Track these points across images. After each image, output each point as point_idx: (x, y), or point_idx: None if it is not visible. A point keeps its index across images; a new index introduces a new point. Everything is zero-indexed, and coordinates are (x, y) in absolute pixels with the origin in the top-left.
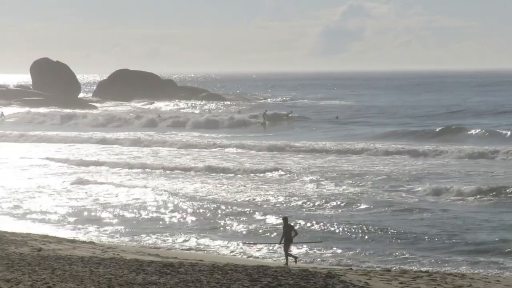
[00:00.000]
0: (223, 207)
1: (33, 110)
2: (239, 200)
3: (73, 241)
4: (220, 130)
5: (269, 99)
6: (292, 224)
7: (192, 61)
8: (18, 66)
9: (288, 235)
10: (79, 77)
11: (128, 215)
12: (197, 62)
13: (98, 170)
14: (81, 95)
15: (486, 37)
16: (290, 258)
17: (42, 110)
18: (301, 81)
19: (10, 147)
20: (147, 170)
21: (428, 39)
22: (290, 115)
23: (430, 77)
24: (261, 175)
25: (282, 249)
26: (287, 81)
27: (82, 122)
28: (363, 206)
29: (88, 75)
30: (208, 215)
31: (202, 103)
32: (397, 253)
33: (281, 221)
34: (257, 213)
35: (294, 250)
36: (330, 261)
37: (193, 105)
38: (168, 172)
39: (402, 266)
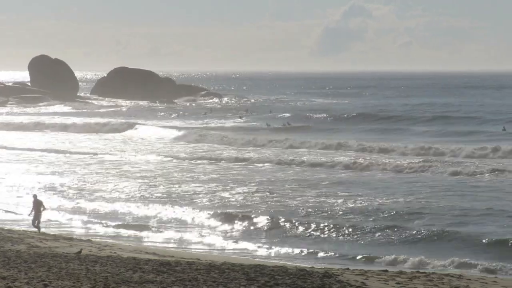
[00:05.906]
0: None
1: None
2: None
3: (70, 238)
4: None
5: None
6: (41, 200)
7: (195, 60)
8: (16, 64)
9: (37, 209)
10: (81, 74)
11: None
12: (201, 61)
13: None
14: (80, 93)
15: (486, 38)
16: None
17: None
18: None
19: None
20: None
21: (428, 40)
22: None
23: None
24: None
25: (31, 220)
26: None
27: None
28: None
29: (89, 73)
30: None
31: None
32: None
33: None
34: None
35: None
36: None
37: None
38: None
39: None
